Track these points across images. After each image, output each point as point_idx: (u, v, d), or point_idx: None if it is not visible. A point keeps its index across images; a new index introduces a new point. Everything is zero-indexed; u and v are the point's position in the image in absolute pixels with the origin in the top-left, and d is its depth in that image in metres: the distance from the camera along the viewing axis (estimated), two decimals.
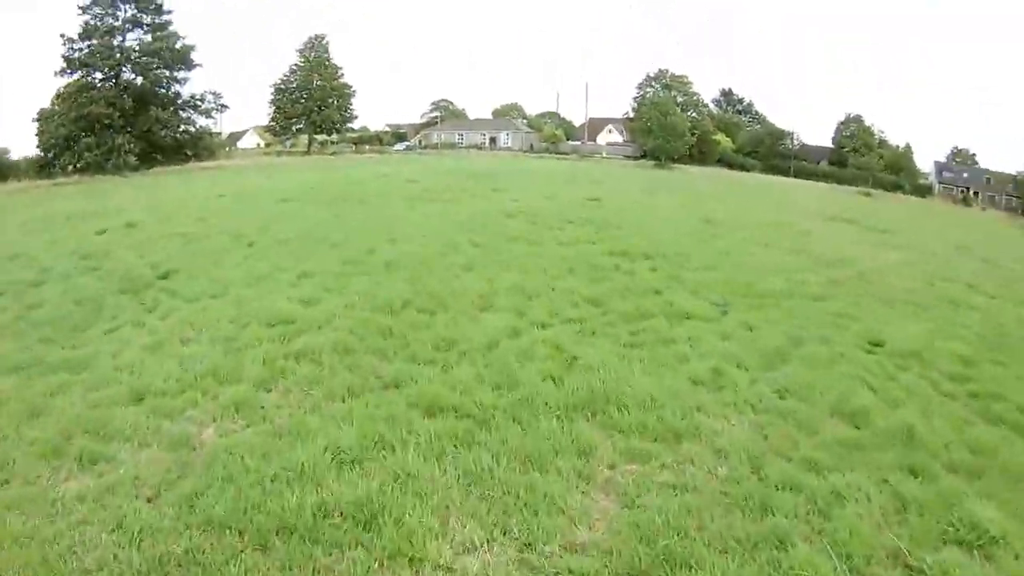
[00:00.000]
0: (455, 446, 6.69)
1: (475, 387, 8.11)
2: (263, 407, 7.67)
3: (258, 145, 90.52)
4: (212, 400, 7.88)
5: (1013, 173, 78.52)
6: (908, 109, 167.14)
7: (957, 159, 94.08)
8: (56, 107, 52.99)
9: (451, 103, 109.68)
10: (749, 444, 7.01)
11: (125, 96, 52.86)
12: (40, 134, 52.37)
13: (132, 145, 51.38)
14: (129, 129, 52.19)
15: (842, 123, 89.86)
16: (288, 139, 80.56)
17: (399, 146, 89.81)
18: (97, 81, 53.42)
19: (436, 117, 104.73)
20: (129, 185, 39.73)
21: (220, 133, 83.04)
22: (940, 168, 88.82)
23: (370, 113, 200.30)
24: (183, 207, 24.74)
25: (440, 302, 11.58)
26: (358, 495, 5.67)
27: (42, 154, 52.08)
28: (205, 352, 9.38)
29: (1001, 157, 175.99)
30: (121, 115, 52.03)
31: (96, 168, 48.95)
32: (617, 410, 7.53)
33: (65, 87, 53.20)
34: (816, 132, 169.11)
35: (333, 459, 6.30)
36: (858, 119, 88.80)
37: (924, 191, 77.70)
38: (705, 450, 6.91)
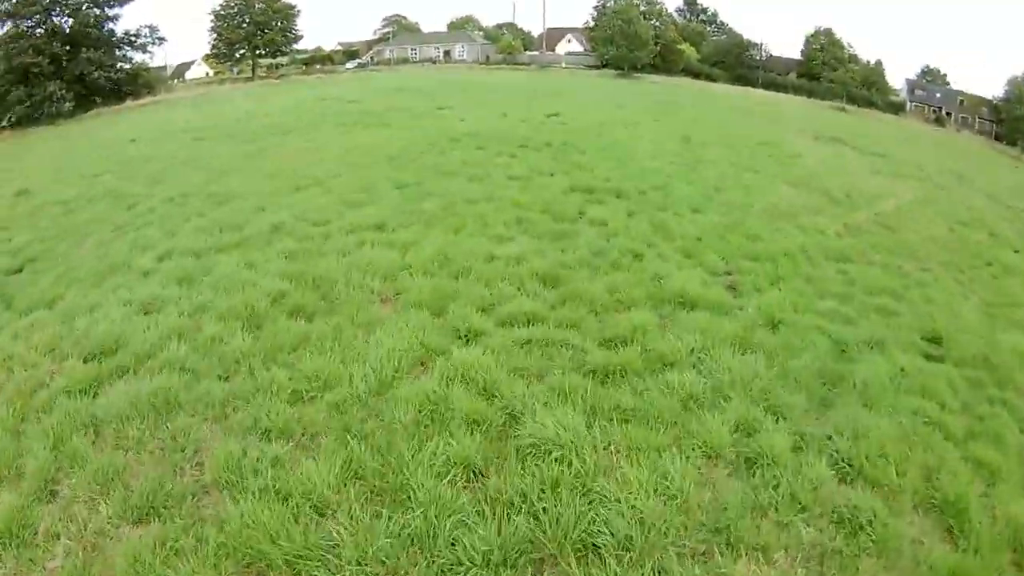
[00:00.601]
0: None
1: (330, 501, 4.41)
2: None
3: (207, 75, 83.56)
4: None
5: (988, 97, 74.88)
6: (877, 25, 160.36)
7: (928, 78, 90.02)
8: None
9: (404, 18, 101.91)
10: None
11: (54, 42, 47.71)
12: None
13: (65, 91, 46.71)
14: (61, 75, 47.33)
15: (811, 36, 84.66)
16: (234, 66, 73.97)
17: (350, 64, 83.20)
18: (26, 29, 48.05)
19: (388, 33, 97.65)
20: (56, 136, 34.83)
21: (164, 67, 76.64)
22: (912, 86, 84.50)
23: (323, 33, 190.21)
24: (87, 160, 21.05)
25: (325, 295, 7.69)
26: None
27: None
28: None
29: (970, 79, 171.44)
30: (51, 61, 46.96)
31: (30, 120, 44.35)
32: None
33: None
34: (783, 45, 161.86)
35: None
36: (828, 32, 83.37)
37: (896, 108, 73.61)
38: None
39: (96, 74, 48.85)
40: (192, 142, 21.53)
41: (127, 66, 52.62)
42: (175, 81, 74.26)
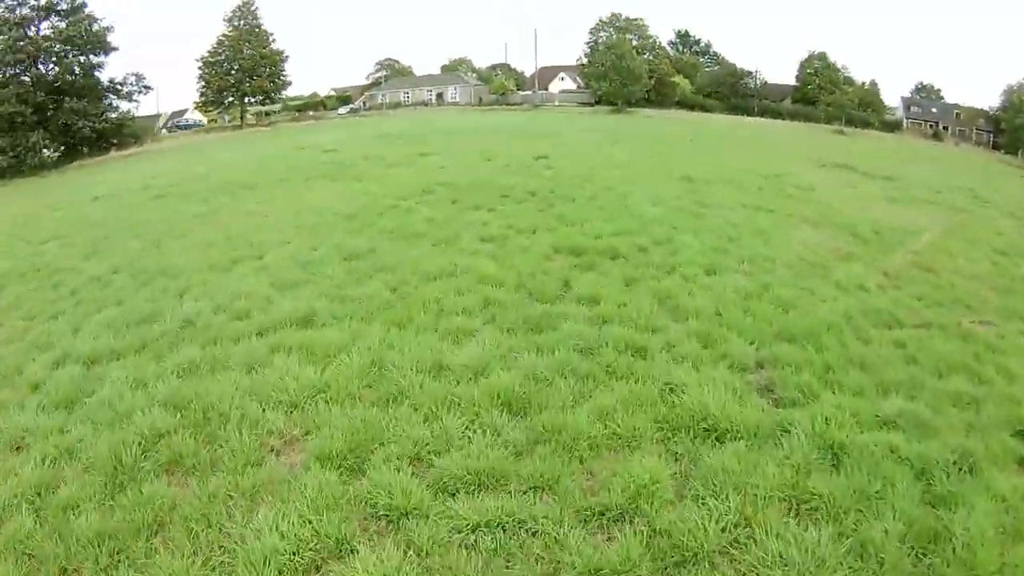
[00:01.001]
0: None
1: None
2: None
3: (196, 122, 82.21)
4: None
5: (984, 108, 74.04)
6: (869, 46, 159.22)
7: (922, 94, 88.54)
8: None
9: (397, 61, 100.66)
10: None
11: (38, 91, 46.85)
12: None
13: (47, 142, 46.19)
14: (46, 125, 46.31)
15: (804, 60, 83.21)
16: (224, 113, 72.56)
17: (342, 110, 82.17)
18: (10, 77, 47.06)
19: (381, 77, 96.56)
20: (29, 192, 32.69)
21: (158, 115, 75.68)
22: (907, 103, 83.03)
23: (316, 78, 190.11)
24: (44, 222, 19.11)
25: (210, 438, 5.47)
26: None
27: None
28: None
29: (965, 92, 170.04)
30: (35, 111, 45.82)
31: (13, 171, 42.95)
32: None
33: None
34: (777, 71, 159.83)
35: None
36: (822, 56, 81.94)
37: (893, 127, 72.13)
38: None
39: (80, 123, 47.49)
40: (151, 201, 19.55)
41: (112, 115, 51.28)
42: (165, 130, 72.87)
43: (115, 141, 49.74)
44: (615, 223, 12.15)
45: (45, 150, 45.84)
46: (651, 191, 16.03)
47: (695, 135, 37.40)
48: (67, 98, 47.33)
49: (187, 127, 75.62)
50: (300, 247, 11.37)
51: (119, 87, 52.53)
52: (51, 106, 46.80)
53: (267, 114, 71.56)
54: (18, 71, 47.13)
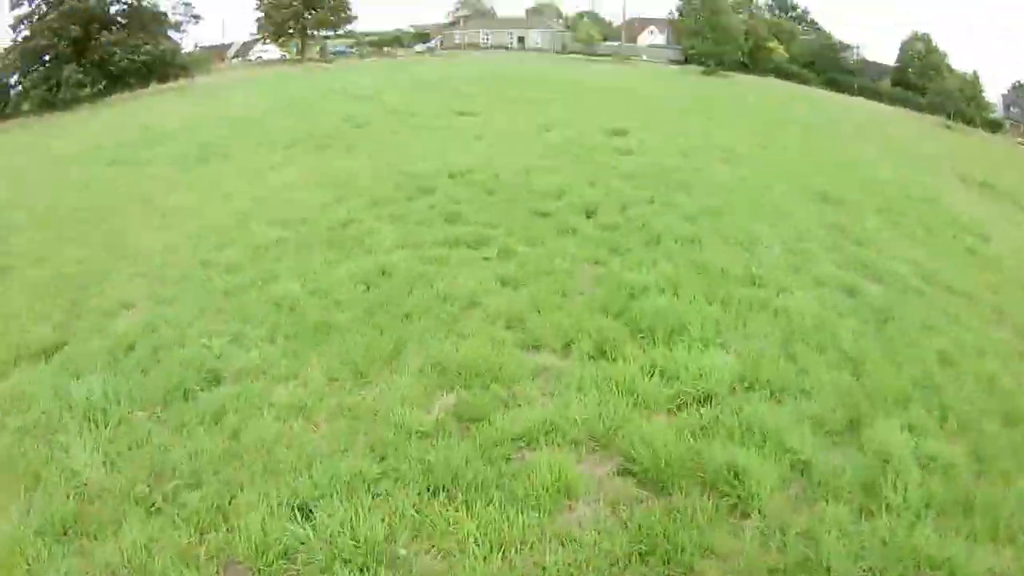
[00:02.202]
0: None
1: None
2: None
3: (259, 56, 76.80)
4: None
5: None
6: (971, 35, 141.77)
7: (1020, 94, 76.96)
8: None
9: (479, 1, 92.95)
10: None
11: (73, 23, 41.53)
12: None
13: (82, 76, 40.99)
14: (82, 58, 41.40)
15: (907, 42, 72.90)
16: (282, 46, 66.43)
17: (418, 47, 75.67)
18: (45, 9, 42.24)
19: (461, 16, 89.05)
20: (39, 132, 27.78)
21: (226, 44, 71.62)
22: (1007, 102, 72.00)
23: (397, 14, 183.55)
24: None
25: None
26: None
27: None
28: None
29: None
30: (71, 43, 40.97)
31: (46, 106, 38.82)
32: None
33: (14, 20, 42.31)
34: (874, 48, 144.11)
35: None
36: (926, 38, 71.72)
37: (996, 126, 61.59)
38: None
39: (118, 56, 42.27)
40: (109, 167, 14.19)
41: (155, 47, 45.21)
42: (232, 60, 67.61)
43: (159, 74, 44.05)
44: (751, 322, 5.79)
45: (84, 85, 41.24)
46: (774, 213, 9.56)
47: (807, 115, 29.80)
48: (105, 31, 42.57)
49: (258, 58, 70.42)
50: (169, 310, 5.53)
51: (162, 17, 46.77)
52: (90, 38, 42.07)
53: (321, 49, 64.91)
54: (52, 2, 42.32)
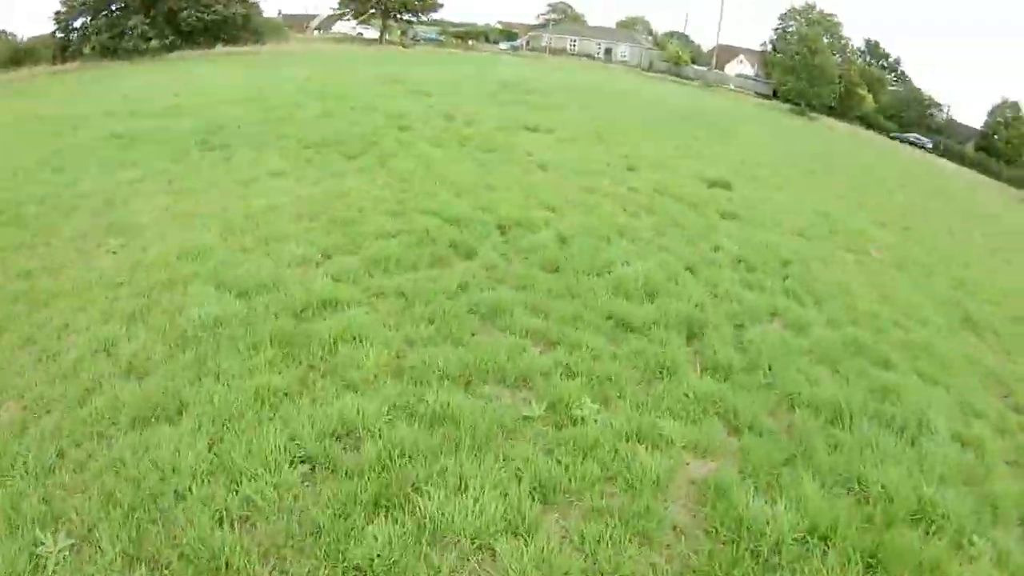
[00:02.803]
0: None
1: None
2: None
3: (340, 30, 74.65)
4: None
5: None
6: None
7: None
8: None
9: (570, 7, 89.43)
10: None
11: None
12: (58, 18, 41.09)
13: (147, 28, 40.08)
14: (149, 9, 40.48)
15: (996, 107, 67.61)
16: (359, 25, 64.26)
17: (503, 45, 72.97)
18: None
19: (550, 19, 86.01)
20: (75, 81, 26.62)
21: (309, 15, 70.06)
22: None
23: (487, 8, 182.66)
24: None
25: None
26: None
27: (61, 37, 41.07)
28: None
29: None
30: None
31: (106, 52, 38.27)
32: None
33: None
34: (960, 109, 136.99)
35: None
36: (1015, 106, 66.59)
37: None
38: None
39: (186, 12, 40.98)
40: (108, 140, 11.83)
41: (229, 9, 43.50)
42: (314, 32, 65.73)
43: (225, 36, 42.65)
44: None
45: (149, 37, 40.40)
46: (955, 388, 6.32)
47: (903, 180, 25.96)
48: None
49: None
50: None
51: None
52: None
53: (404, 33, 62.39)
54: None
